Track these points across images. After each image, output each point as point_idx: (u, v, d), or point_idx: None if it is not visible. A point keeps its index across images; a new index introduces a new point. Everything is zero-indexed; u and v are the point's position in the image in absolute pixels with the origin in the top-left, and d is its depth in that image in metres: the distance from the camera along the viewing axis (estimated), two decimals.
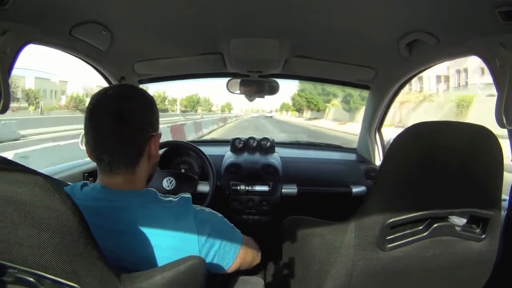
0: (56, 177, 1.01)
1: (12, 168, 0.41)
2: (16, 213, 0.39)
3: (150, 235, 0.56)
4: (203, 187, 1.30)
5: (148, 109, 0.63)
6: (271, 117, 48.21)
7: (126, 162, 0.60)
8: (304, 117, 43.32)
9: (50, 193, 0.40)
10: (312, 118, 38.18)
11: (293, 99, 45.12)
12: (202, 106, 57.17)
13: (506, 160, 0.66)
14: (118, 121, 0.58)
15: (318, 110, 37.73)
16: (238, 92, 1.52)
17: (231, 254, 0.65)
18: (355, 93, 24.70)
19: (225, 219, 0.69)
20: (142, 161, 0.63)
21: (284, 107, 65.28)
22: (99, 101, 0.60)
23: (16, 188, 0.40)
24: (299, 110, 45.58)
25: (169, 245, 0.57)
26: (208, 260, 0.61)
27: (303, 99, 39.59)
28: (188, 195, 0.65)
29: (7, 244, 0.40)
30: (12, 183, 0.40)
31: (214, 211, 0.67)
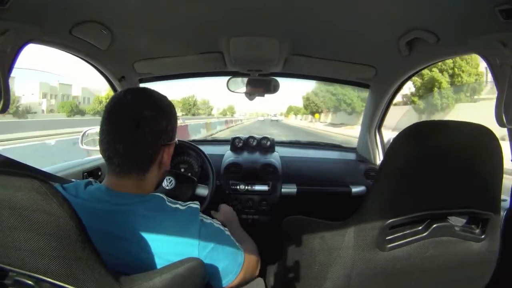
0: None
1: (9, 172, 0.41)
2: (13, 217, 0.39)
3: (152, 242, 0.56)
4: (202, 191, 1.26)
5: (165, 118, 0.63)
6: (277, 120, 46.45)
7: (136, 168, 0.60)
8: (322, 122, 32.34)
9: (47, 197, 0.40)
10: (337, 123, 27.04)
11: (307, 99, 38.21)
12: (201, 110, 54.61)
13: (506, 161, 0.65)
14: (133, 127, 0.58)
15: (351, 113, 27.02)
16: (238, 90, 1.52)
17: (231, 275, 0.64)
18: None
19: (232, 238, 0.67)
20: (153, 168, 0.63)
21: (292, 110, 60.14)
22: (118, 104, 0.61)
23: (13, 192, 0.39)
24: (313, 113, 37.30)
25: (170, 252, 0.56)
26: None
27: (327, 98, 30.28)
28: (196, 205, 0.64)
29: (5, 248, 0.40)
30: (9, 187, 0.40)
31: (222, 228, 0.66)
